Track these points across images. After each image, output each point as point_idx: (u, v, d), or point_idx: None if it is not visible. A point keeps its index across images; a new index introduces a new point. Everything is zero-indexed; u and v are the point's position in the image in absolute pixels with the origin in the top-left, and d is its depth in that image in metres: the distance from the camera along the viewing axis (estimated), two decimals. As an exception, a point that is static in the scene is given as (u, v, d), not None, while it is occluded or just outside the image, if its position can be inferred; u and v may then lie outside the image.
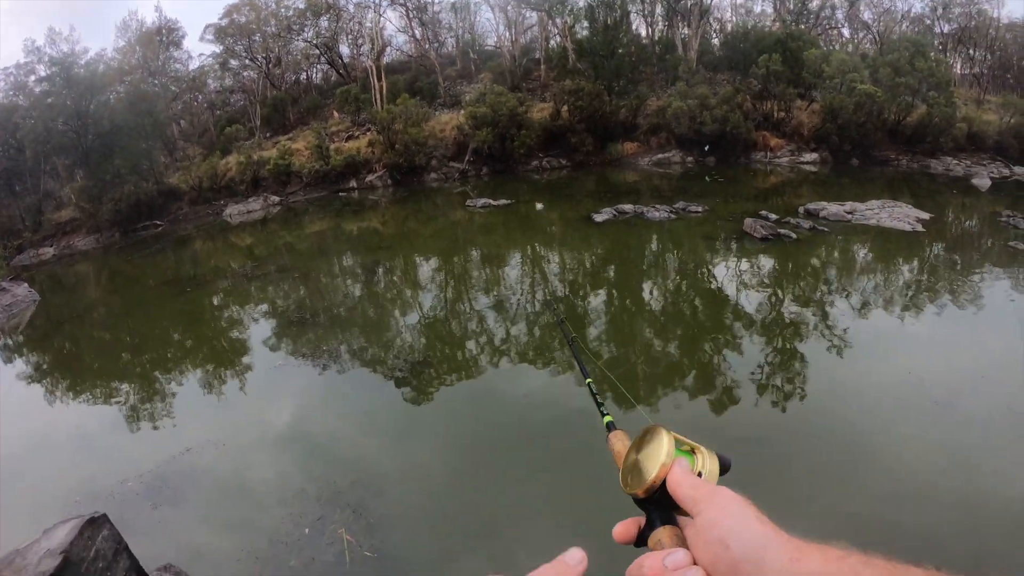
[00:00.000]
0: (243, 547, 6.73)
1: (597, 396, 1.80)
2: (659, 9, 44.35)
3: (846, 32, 46.81)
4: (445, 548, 6.53)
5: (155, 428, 10.31)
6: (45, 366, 14.82)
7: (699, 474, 0.94)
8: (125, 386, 12.39)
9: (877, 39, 42.93)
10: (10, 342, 17.15)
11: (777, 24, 43.31)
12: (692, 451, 0.98)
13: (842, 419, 8.37)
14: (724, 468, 0.97)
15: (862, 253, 16.78)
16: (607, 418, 1.56)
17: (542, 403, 9.36)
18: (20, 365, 14.97)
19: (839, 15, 44.88)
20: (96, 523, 5.77)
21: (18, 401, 12.64)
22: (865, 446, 7.67)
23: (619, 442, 1.22)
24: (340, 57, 48.02)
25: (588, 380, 1.99)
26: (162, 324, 16.66)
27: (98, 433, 10.47)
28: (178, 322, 16.57)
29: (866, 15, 44.68)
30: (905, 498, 6.63)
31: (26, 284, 21.92)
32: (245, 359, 12.97)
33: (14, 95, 37.21)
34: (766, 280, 14.79)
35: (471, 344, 12.37)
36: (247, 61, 44.67)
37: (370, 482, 7.70)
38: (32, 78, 36.68)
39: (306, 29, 45.53)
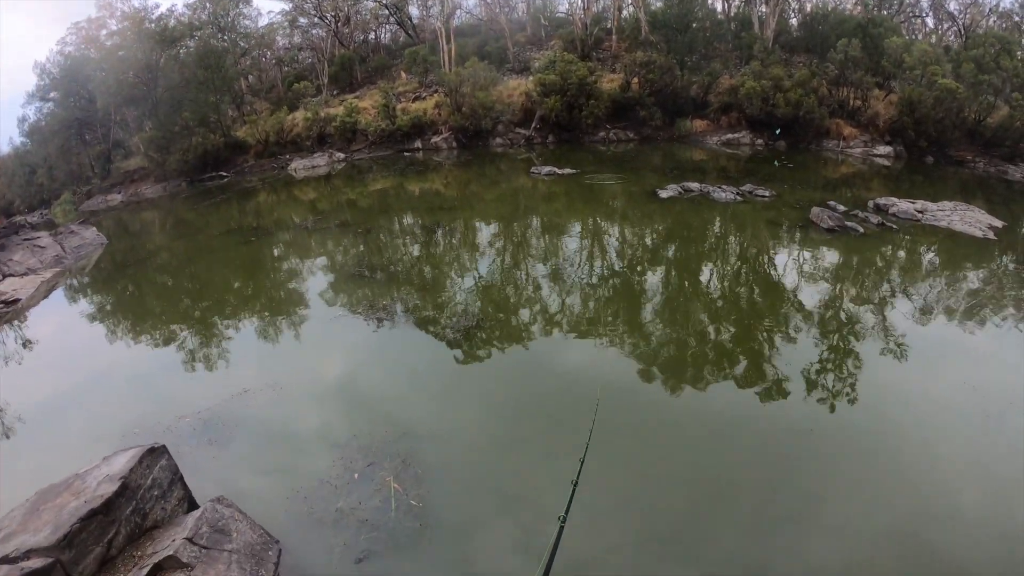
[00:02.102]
0: (293, 486, 6.91)
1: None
2: (736, -16, 42.86)
3: (930, 22, 43.98)
4: (484, 507, 6.70)
5: (213, 370, 10.41)
6: (109, 306, 15.07)
7: None
8: (185, 329, 12.53)
9: (962, 32, 40.28)
10: (77, 282, 17.53)
11: (858, 8, 41.19)
12: None
13: (889, 424, 8.11)
14: None
15: (929, 256, 15.80)
16: None
17: (591, 378, 9.27)
18: (85, 304, 15.26)
19: (924, 3, 42.32)
20: (155, 453, 5.99)
21: (82, 338, 12.92)
22: (908, 455, 7.44)
23: None
24: (409, 18, 47.70)
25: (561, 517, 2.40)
26: (224, 272, 16.81)
27: (158, 371, 10.60)
28: (239, 270, 16.66)
29: (952, 5, 41.71)
30: (939, 518, 6.45)
31: (94, 228, 22.45)
32: (302, 310, 13.02)
33: (86, 48, 38.16)
34: (827, 273, 14.27)
35: (524, 313, 12.23)
36: (316, 19, 44.65)
37: (420, 435, 7.81)
38: (104, 32, 37.55)
39: (376, -12, 45.27)
